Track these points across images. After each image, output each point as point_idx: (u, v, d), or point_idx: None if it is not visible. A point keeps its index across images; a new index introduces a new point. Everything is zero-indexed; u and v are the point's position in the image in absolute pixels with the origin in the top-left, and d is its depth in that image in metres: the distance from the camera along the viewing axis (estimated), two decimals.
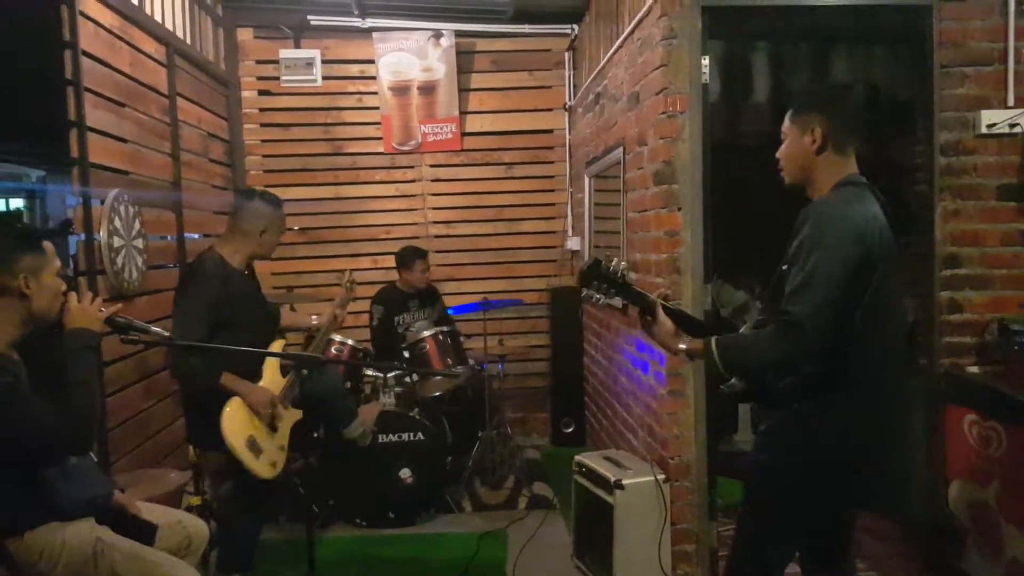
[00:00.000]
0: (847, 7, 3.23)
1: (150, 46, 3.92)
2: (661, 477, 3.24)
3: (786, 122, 2.10)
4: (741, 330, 2.11)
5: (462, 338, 4.55)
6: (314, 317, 3.54)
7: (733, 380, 2.05)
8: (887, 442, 2.00)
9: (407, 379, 4.28)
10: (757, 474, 2.12)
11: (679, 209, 3.20)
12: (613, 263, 2.13)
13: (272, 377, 3.02)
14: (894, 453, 2.02)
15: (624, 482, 3.19)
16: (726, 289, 4.21)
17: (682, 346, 2.08)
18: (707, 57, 3.18)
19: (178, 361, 2.82)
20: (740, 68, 4.19)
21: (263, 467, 2.88)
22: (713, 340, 1.99)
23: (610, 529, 3.20)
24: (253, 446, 2.86)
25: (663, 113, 3.17)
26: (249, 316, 3.00)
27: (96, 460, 2.37)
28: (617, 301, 2.22)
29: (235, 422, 2.82)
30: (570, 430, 5.27)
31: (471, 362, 4.55)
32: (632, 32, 3.61)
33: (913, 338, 3.28)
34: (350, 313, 5.20)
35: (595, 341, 4.82)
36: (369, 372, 4.37)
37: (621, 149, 3.86)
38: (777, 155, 2.14)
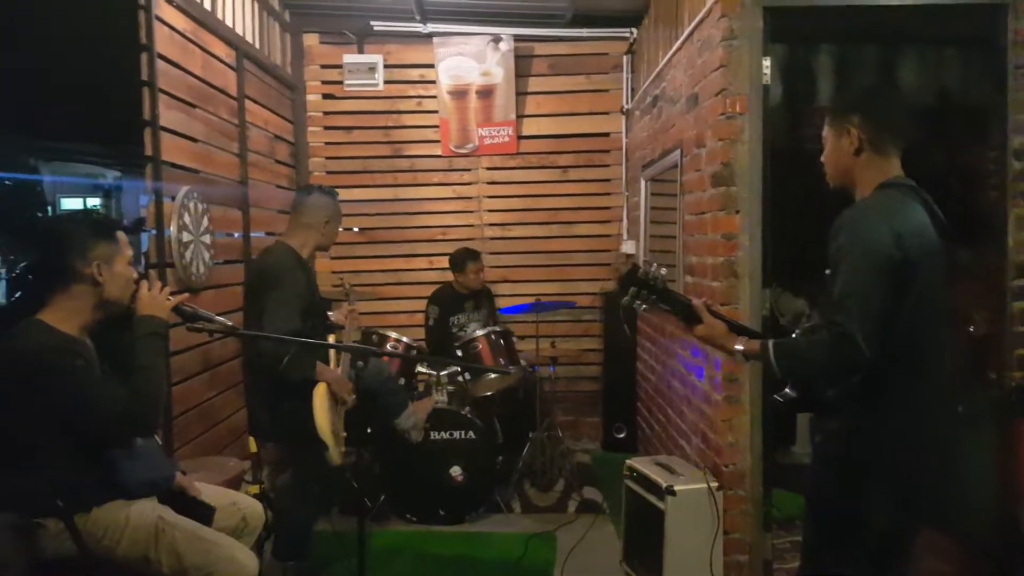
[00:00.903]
0: (916, 7, 3.13)
1: (221, 50, 4.05)
2: (714, 485, 3.19)
3: (824, 126, 2.08)
4: (794, 335, 2.08)
5: (514, 339, 4.57)
6: (330, 314, 3.61)
7: (787, 389, 2.03)
8: (936, 455, 1.94)
9: (459, 378, 4.33)
10: (813, 486, 2.08)
11: (737, 212, 3.16)
12: (653, 269, 2.13)
13: (333, 367, 3.11)
14: (946, 466, 1.96)
15: (676, 488, 3.15)
16: (785, 296, 4.12)
17: (739, 347, 2.06)
18: (768, 58, 3.14)
19: (279, 351, 2.87)
20: (803, 71, 4.12)
21: (339, 454, 3.00)
22: (771, 343, 1.98)
23: (660, 535, 3.16)
24: (334, 432, 2.97)
25: (722, 115, 3.14)
26: (319, 306, 3.14)
27: (160, 443, 2.46)
28: (660, 308, 2.21)
29: (323, 409, 2.93)
30: (622, 435, 5.23)
31: (523, 363, 4.57)
32: (691, 34, 3.59)
33: (981, 350, 3.16)
34: (405, 312, 5.36)
35: (649, 345, 4.78)
36: (422, 369, 4.43)
37: (679, 151, 3.83)
38: (822, 159, 2.11)
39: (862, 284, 1.82)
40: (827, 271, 1.95)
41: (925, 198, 1.98)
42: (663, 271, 2.14)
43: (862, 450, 1.93)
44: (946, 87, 3.87)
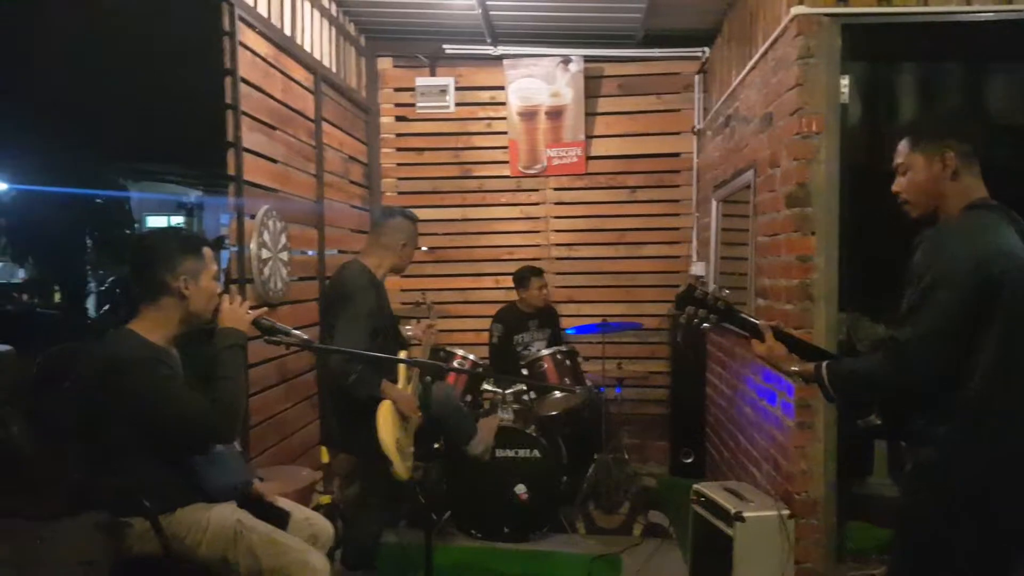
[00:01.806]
0: (1008, 22, 3.00)
1: (300, 74, 4.20)
2: (785, 513, 3.11)
3: (904, 153, 2.01)
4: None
5: (580, 359, 4.55)
6: (408, 328, 3.66)
7: (872, 416, 1.98)
8: None
9: (525, 397, 4.33)
10: (906, 517, 2.01)
11: (813, 233, 3.10)
12: (712, 289, 2.12)
13: (403, 384, 3.16)
14: None
15: (745, 514, 3.08)
16: (863, 322, 4.00)
17: (794, 368, 2.07)
18: (847, 77, 3.08)
19: (347, 368, 2.95)
20: (884, 89, 4.01)
21: (405, 469, 3.04)
22: (824, 364, 1.99)
23: (728, 563, 3.09)
24: (400, 448, 3.02)
25: (797, 134, 3.09)
26: (391, 324, 3.20)
27: (239, 450, 2.55)
28: (723, 327, 2.19)
29: (387, 425, 2.99)
30: (689, 460, 5.14)
31: (588, 383, 4.55)
32: (766, 52, 3.55)
33: None
34: (471, 331, 5.40)
35: (718, 369, 4.70)
36: (488, 387, 4.45)
37: (752, 171, 3.78)
38: (896, 189, 2.04)
39: (937, 304, 1.79)
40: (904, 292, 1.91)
41: (1015, 218, 1.92)
42: (725, 291, 2.14)
43: (961, 480, 1.86)
44: None
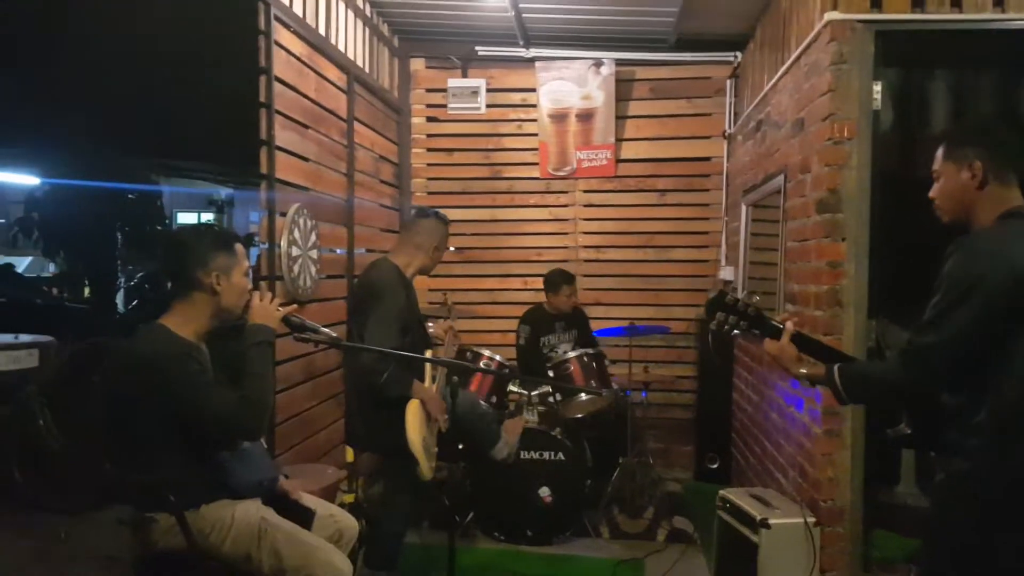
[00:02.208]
0: None
1: (333, 73, 4.25)
2: (811, 520, 3.08)
3: (938, 160, 2.01)
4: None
5: (607, 362, 4.55)
6: (430, 324, 3.67)
7: (902, 425, 1.97)
8: None
9: (551, 399, 4.33)
10: (935, 529, 1.99)
11: (843, 239, 3.07)
12: (743, 295, 2.11)
13: (428, 383, 3.19)
14: None
15: (771, 521, 3.06)
16: (892, 329, 3.95)
17: (803, 370, 2.07)
18: (879, 83, 3.04)
19: (379, 366, 2.97)
20: (917, 95, 3.95)
21: (429, 469, 3.06)
22: (836, 367, 1.98)
23: (753, 570, 3.07)
24: (426, 448, 3.04)
25: (829, 140, 3.07)
26: (419, 323, 3.23)
27: (265, 447, 2.58)
28: (752, 334, 2.18)
29: (414, 424, 3.01)
30: (715, 466, 5.10)
31: (615, 387, 4.54)
32: (799, 58, 3.52)
33: None
34: (497, 331, 5.41)
35: (745, 375, 4.66)
36: (514, 389, 4.46)
37: (782, 176, 3.75)
38: (931, 195, 2.04)
39: (961, 310, 1.78)
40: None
41: None
42: (756, 297, 2.12)
43: (994, 492, 1.83)
44: None
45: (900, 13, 3.03)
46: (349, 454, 3.35)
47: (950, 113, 3.92)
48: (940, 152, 2.02)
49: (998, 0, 3.00)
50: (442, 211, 3.45)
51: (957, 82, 3.94)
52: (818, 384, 2.08)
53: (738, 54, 5.20)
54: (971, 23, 3.02)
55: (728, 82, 5.34)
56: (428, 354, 3.28)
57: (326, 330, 2.45)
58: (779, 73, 3.90)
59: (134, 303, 11.88)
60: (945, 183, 2.00)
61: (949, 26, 3.03)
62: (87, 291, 12.34)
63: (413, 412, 3.02)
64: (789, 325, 2.11)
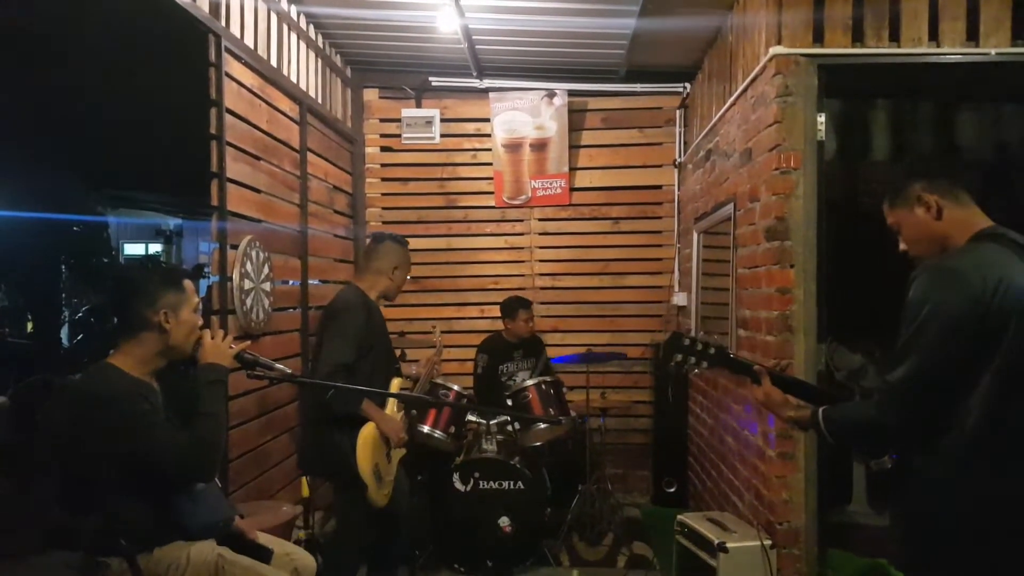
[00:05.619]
0: (975, 64, 3.11)
1: (285, 104, 4.23)
2: (768, 543, 3.12)
3: (889, 214, 2.01)
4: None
5: (565, 389, 4.56)
6: (413, 367, 3.67)
7: (884, 458, 1.94)
8: None
9: (509, 428, 4.32)
10: (900, 549, 1.97)
11: (792, 266, 3.15)
12: (699, 335, 2.12)
13: (391, 410, 3.16)
14: None
15: (728, 545, 3.09)
16: (841, 351, 4.05)
17: (791, 414, 2.06)
18: (823, 115, 3.15)
19: (329, 380, 2.95)
20: (859, 126, 4.11)
21: (381, 496, 3.01)
22: (821, 411, 1.96)
23: None
24: (377, 474, 3.00)
25: (776, 170, 3.15)
26: (384, 346, 3.22)
27: (220, 487, 2.51)
28: (714, 369, 2.18)
29: (366, 449, 2.98)
30: (672, 490, 5.14)
31: (573, 414, 4.55)
32: (746, 90, 3.62)
33: None
34: (455, 360, 5.39)
35: (701, 399, 4.72)
36: (472, 418, 4.44)
37: (732, 205, 3.84)
38: (901, 249, 2.02)
39: (926, 341, 1.75)
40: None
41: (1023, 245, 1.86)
42: (714, 337, 2.13)
43: (957, 521, 1.81)
44: (1007, 143, 3.82)
45: (841, 47, 3.15)
46: (305, 489, 3.29)
47: (891, 141, 4.08)
48: (885, 206, 2.02)
49: (933, 35, 3.14)
50: (400, 234, 3.48)
51: (897, 111, 4.11)
52: (805, 429, 2.08)
53: (687, 85, 5.33)
54: (908, 57, 3.15)
55: (677, 112, 5.47)
56: (395, 381, 3.26)
57: (280, 366, 2.42)
58: (727, 104, 4.00)
59: (79, 338, 11.51)
60: (906, 230, 1.99)
61: (888, 59, 3.16)
62: (30, 326, 11.93)
63: (365, 436, 2.98)
64: (760, 367, 2.11)
